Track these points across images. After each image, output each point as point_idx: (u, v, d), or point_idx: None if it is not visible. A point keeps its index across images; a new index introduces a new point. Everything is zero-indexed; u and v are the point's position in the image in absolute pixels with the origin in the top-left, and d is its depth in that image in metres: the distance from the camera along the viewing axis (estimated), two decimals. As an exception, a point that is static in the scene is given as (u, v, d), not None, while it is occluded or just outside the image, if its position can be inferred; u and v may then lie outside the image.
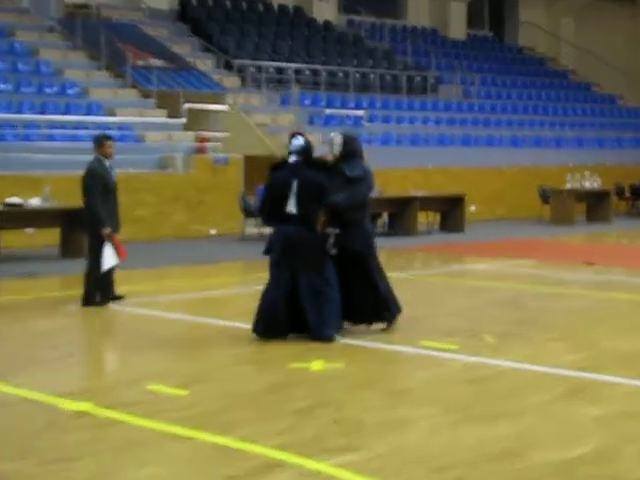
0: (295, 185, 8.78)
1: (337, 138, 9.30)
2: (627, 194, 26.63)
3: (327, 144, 9.50)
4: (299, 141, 8.90)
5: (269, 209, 9.00)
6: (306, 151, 8.93)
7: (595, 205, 24.17)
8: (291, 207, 8.78)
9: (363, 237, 9.34)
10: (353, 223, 9.21)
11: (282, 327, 8.90)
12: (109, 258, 11.19)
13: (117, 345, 9.15)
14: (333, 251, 9.00)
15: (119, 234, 11.60)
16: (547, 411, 6.73)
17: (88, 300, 11.15)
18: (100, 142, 11.38)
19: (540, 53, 36.52)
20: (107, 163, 11.39)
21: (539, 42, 36.81)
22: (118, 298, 11.39)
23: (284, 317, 8.87)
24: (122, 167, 18.62)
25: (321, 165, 9.08)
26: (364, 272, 9.31)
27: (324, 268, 8.87)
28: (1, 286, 13.11)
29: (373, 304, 9.33)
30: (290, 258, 8.80)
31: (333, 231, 9.02)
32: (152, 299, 11.92)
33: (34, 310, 11.14)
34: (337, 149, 9.24)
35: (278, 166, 9.08)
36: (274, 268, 8.93)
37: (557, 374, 7.86)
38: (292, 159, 8.91)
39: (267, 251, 9.08)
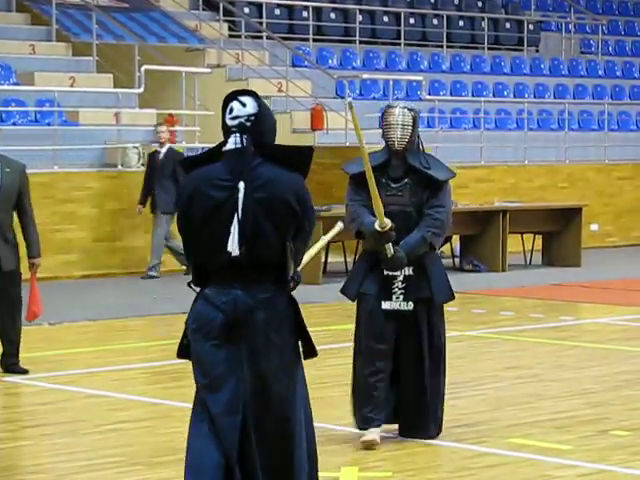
0: (241, 194, 6.50)
1: (407, 115, 8.74)
2: None
3: (387, 126, 8.75)
4: (246, 107, 6.60)
5: (198, 249, 6.59)
6: (261, 127, 6.64)
7: None
8: (233, 243, 6.46)
9: (444, 276, 9.02)
10: (430, 255, 8.90)
11: None
12: None
13: (36, 443, 9.22)
14: (409, 305, 8.58)
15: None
16: None
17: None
18: None
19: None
20: None
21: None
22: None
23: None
24: (43, 163, 18.82)
25: (295, 155, 6.74)
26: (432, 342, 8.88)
27: (293, 389, 6.56)
28: None
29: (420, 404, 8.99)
30: (234, 365, 6.43)
31: (406, 271, 8.65)
32: (91, 370, 12.01)
33: None
34: (408, 133, 8.73)
35: (199, 159, 6.81)
36: (204, 389, 6.46)
37: None
38: (231, 143, 6.58)
39: (184, 351, 6.62)
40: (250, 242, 6.34)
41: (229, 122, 6.50)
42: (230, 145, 6.48)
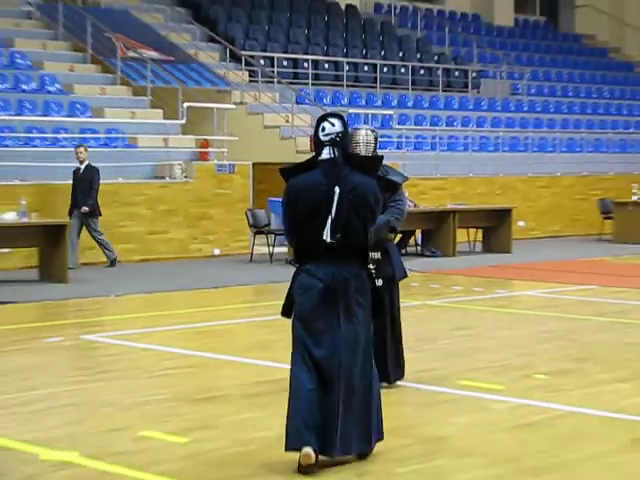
0: (336, 196, 6.54)
1: (370, 135, 8.52)
2: None
3: (355, 144, 8.43)
4: (335, 126, 6.62)
5: (301, 237, 6.69)
6: (346, 141, 6.74)
7: (666, 220, 24.12)
8: (327, 233, 6.53)
9: (400, 260, 8.89)
10: (391, 244, 8.80)
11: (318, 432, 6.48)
12: None
13: (104, 384, 9.20)
14: (379, 282, 8.23)
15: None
16: (608, 463, 6.73)
17: None
18: None
19: (601, 42, 36.56)
20: None
21: (600, 29, 36.82)
22: None
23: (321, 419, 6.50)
24: (111, 176, 18.88)
25: (371, 164, 7.00)
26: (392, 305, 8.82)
27: (371, 336, 6.82)
28: (-30, 315, 13.22)
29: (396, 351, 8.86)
30: (330, 319, 6.56)
31: (375, 255, 8.42)
32: (145, 331, 11.99)
33: (8, 344, 11.21)
34: (371, 149, 8.46)
35: (298, 168, 6.78)
36: (307, 338, 6.58)
37: (621, 419, 7.86)
38: (325, 154, 6.60)
39: (286, 311, 6.81)
40: (343, 232, 6.51)
41: (322, 138, 6.61)
42: (324, 155, 6.59)
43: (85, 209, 17.14)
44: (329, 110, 24.07)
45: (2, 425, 7.71)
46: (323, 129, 6.60)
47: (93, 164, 17.51)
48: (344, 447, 6.51)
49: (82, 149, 17.54)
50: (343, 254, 6.56)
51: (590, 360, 10.15)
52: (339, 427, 6.45)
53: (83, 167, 17.39)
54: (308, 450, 6.35)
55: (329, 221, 6.49)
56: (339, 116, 6.70)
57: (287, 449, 6.46)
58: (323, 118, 6.68)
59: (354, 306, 6.58)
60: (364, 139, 8.37)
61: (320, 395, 6.47)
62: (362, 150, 8.39)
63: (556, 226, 25.58)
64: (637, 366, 9.89)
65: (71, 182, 17.49)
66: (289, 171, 6.72)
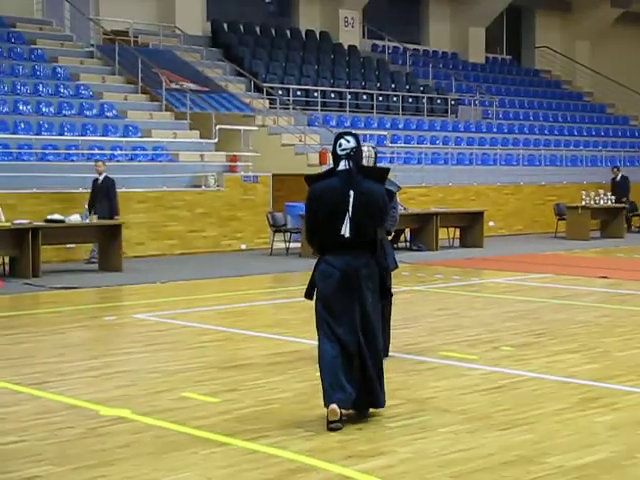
0: (351, 199, 6.53)
1: (372, 151, 8.39)
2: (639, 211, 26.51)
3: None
4: (350, 143, 6.65)
5: (321, 232, 6.63)
6: (359, 155, 6.75)
7: (609, 221, 24.07)
8: (346, 229, 6.52)
9: (393, 254, 8.75)
10: (385, 241, 8.52)
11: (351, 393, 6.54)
12: None
13: (152, 354, 9.20)
14: None
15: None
16: (563, 419, 6.72)
17: None
18: None
19: (556, 76, 36.44)
20: None
21: (555, 65, 36.74)
22: None
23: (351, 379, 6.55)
24: (157, 185, 18.90)
25: (380, 174, 6.92)
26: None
27: (379, 317, 6.84)
28: (43, 298, 13.23)
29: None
30: (347, 301, 6.55)
31: None
32: (185, 311, 11.99)
33: (74, 321, 11.23)
34: (372, 161, 8.40)
35: (320, 176, 6.82)
36: (329, 318, 6.56)
37: (573, 383, 7.85)
38: (342, 165, 6.61)
39: (309, 294, 6.76)
40: (356, 228, 6.50)
41: (339, 152, 6.65)
42: (341, 167, 6.62)
43: (117, 218, 16.66)
44: (335, 131, 24.07)
45: (70, 387, 7.73)
46: (340, 145, 6.64)
47: (111, 175, 17.10)
48: (366, 403, 6.63)
49: (100, 163, 17.17)
50: (356, 247, 6.55)
51: (547, 335, 10.13)
52: (361, 388, 6.53)
53: (102, 178, 17.09)
54: (334, 407, 6.38)
55: (347, 219, 6.49)
56: (354, 134, 6.75)
57: (325, 405, 6.50)
58: (340, 136, 6.71)
59: (365, 290, 6.58)
60: (367, 154, 8.32)
61: (343, 362, 6.49)
62: (365, 162, 8.36)
63: (520, 226, 25.52)
64: (585, 340, 9.86)
65: (90, 190, 17.16)
66: (312, 178, 6.78)
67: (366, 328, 6.60)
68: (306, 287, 6.77)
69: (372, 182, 6.64)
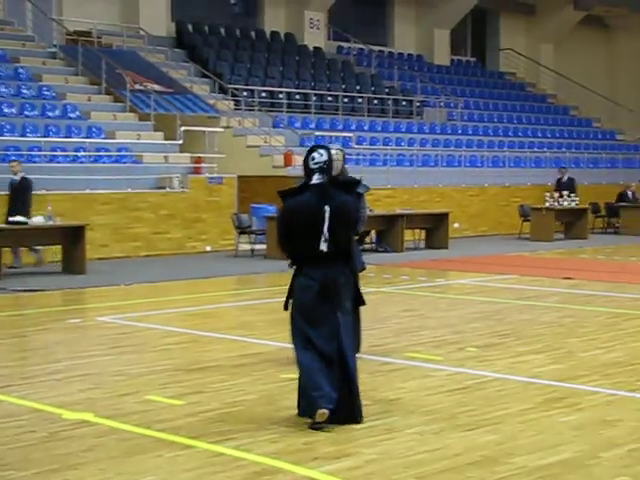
0: (327, 214, 6.56)
1: (339, 153, 8.39)
2: (603, 212, 26.74)
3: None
4: (323, 156, 6.70)
5: (297, 246, 6.70)
6: (331, 168, 6.81)
7: (572, 222, 24.24)
8: (323, 244, 6.58)
9: (360, 255, 8.70)
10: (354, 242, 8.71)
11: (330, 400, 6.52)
12: None
13: (116, 357, 9.14)
14: None
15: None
16: (527, 419, 6.75)
17: None
18: None
19: (520, 78, 36.69)
20: None
21: (519, 67, 36.99)
22: None
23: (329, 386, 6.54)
24: (121, 187, 18.80)
25: (350, 185, 7.07)
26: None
27: (352, 322, 7.01)
28: (4, 301, 13.10)
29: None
30: (326, 310, 6.60)
31: None
32: (149, 313, 11.93)
33: (37, 324, 11.13)
34: (340, 165, 8.40)
35: (294, 191, 6.78)
36: (306, 327, 6.62)
37: (537, 384, 7.89)
38: (316, 179, 6.64)
39: (287, 306, 6.81)
40: (333, 241, 6.57)
41: (312, 166, 6.68)
42: (315, 180, 6.64)
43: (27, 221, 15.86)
44: (300, 133, 24.12)
45: (33, 390, 7.66)
46: (313, 158, 6.66)
47: (27, 176, 16.53)
48: (346, 410, 6.58)
49: (15, 163, 16.57)
50: (333, 258, 6.61)
51: (512, 336, 10.18)
52: (341, 394, 6.53)
53: (18, 179, 16.46)
54: (323, 410, 6.40)
55: (324, 234, 6.55)
56: (325, 147, 6.82)
57: (301, 415, 6.60)
58: (313, 149, 6.75)
59: (343, 299, 6.65)
60: (335, 156, 8.31)
61: (323, 369, 6.50)
62: (334, 165, 8.36)
63: (484, 227, 25.63)
64: (550, 340, 9.93)
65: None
66: (286, 193, 6.78)
67: (348, 335, 6.66)
68: (285, 300, 6.77)
69: (344, 194, 6.71)
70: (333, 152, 8.17)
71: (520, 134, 31.00)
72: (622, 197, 26.37)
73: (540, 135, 31.49)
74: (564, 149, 30.61)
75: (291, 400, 7.25)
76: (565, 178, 25.10)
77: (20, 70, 21.88)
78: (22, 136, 19.40)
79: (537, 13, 37.09)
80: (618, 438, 6.29)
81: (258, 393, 7.54)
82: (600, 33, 39.05)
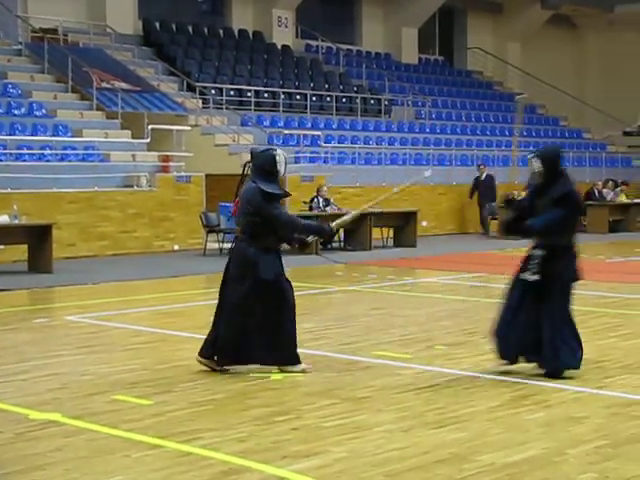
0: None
1: (535, 162, 8.02)
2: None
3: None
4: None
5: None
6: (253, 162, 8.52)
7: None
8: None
9: (573, 265, 8.17)
10: (562, 248, 8.11)
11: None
12: None
13: (84, 357, 9.10)
14: (532, 277, 8.02)
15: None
16: (495, 417, 6.80)
17: None
18: None
19: (487, 77, 36.88)
20: None
21: (486, 66, 37.18)
22: None
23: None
24: (88, 185, 18.70)
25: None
26: (559, 304, 8.00)
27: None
28: (-29, 301, 12.99)
29: (549, 340, 7.96)
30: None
31: (537, 253, 8.14)
32: (118, 312, 11.87)
33: (2, 324, 11.04)
34: (537, 170, 8.02)
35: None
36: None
37: (505, 381, 7.94)
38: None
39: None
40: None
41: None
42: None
43: None
44: (268, 131, 24.11)
45: (-2, 391, 7.60)
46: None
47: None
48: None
49: None
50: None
51: (480, 334, 10.21)
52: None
53: None
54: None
55: None
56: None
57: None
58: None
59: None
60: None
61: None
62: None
63: (452, 225, 25.76)
64: (518, 338, 9.97)
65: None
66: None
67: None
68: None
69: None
70: (530, 159, 8.12)
71: (487, 132, 31.18)
72: (589, 196, 26.57)
73: (507, 134, 31.66)
74: (531, 147, 30.76)
75: (260, 399, 7.26)
76: (484, 176, 25.16)
77: (-15, 68, 21.71)
78: (-13, 134, 19.27)
79: (504, 12, 37.30)
80: (585, 435, 6.35)
81: (226, 392, 7.53)
82: (567, 32, 39.33)
